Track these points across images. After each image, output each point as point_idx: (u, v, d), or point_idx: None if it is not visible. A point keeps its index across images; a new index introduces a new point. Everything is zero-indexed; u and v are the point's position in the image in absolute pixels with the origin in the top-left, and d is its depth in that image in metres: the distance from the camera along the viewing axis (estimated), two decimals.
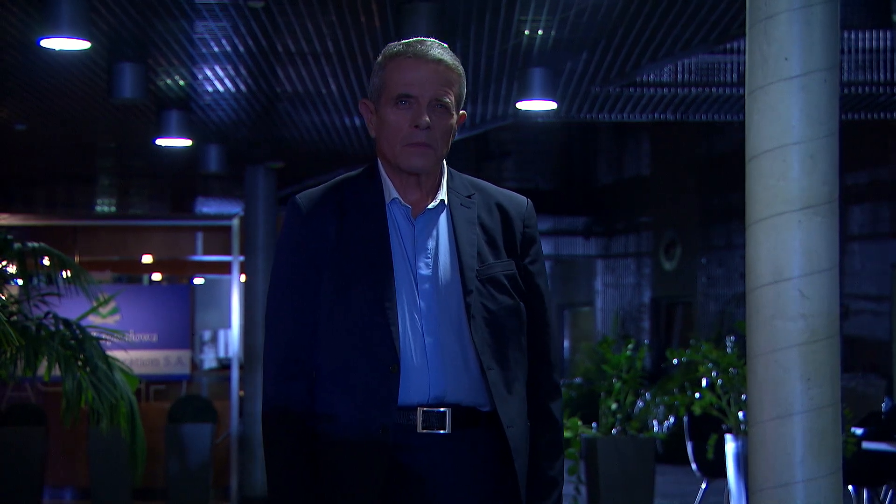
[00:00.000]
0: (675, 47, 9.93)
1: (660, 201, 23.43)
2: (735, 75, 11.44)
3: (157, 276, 20.98)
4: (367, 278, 3.27)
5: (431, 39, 3.37)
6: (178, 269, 19.20)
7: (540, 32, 9.47)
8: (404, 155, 3.33)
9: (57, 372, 6.71)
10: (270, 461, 3.33)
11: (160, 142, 12.43)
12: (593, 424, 11.21)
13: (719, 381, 10.58)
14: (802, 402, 5.33)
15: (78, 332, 6.89)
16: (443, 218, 3.39)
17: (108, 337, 7.42)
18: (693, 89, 11.58)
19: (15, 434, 14.20)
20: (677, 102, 12.10)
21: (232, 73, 10.85)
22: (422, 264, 3.32)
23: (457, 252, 3.34)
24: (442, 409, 3.27)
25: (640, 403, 11.97)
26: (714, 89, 11.57)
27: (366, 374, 3.24)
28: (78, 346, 6.81)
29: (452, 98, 3.34)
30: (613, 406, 10.97)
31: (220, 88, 11.49)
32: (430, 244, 3.35)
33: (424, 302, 3.29)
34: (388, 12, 8.90)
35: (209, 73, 10.88)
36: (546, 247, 26.23)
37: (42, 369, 6.60)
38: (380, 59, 3.39)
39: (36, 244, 7.15)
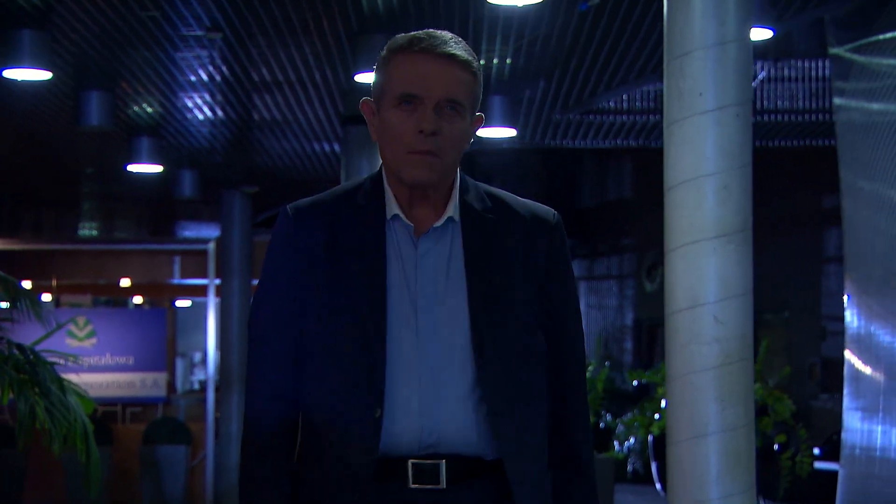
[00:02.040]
0: (629, 76, 10.16)
1: (642, 224, 23.66)
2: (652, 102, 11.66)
3: (138, 300, 21.20)
4: (355, 308, 2.81)
5: (443, 32, 2.88)
6: (155, 293, 19.42)
7: (496, 61, 9.70)
8: (407, 164, 2.82)
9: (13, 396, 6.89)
10: (243, 498, 2.92)
11: (131, 167, 12.65)
12: None
13: None
14: (717, 422, 5.55)
15: (31, 356, 7.09)
16: (452, 237, 2.89)
17: (61, 361, 7.61)
18: (652, 116, 11.81)
19: None
20: (638, 129, 12.34)
21: (202, 101, 11.07)
22: (424, 292, 2.83)
23: (465, 277, 2.85)
24: (435, 462, 2.79)
25: (601, 424, 12.17)
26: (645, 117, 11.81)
27: (348, 418, 2.79)
28: (31, 370, 7.00)
29: (465, 99, 2.84)
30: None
31: (192, 116, 11.72)
32: (436, 268, 2.86)
33: (424, 336, 2.81)
34: (343, 44, 9.13)
35: (180, 101, 11.11)
36: None
37: None
38: (383, 52, 2.89)
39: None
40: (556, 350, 2.93)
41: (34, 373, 7.03)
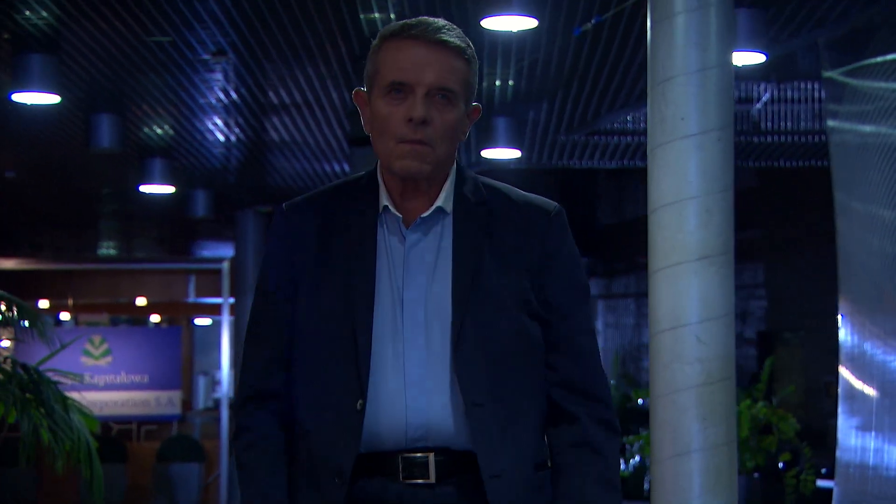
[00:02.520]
0: (630, 98, 10.29)
1: None
2: None
3: (155, 318, 21.40)
4: (342, 300, 2.75)
5: (437, 19, 2.80)
6: (172, 311, 19.60)
7: (498, 83, 9.84)
8: (397, 155, 2.74)
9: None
10: (243, 486, 2.87)
11: (144, 188, 12.82)
12: None
13: None
14: (699, 440, 5.65)
15: (35, 375, 7.23)
16: (442, 229, 2.82)
17: (66, 380, 7.74)
18: None
19: (8, 473, 14.56)
20: (644, 150, 12.44)
21: (214, 123, 11.24)
22: (411, 283, 2.77)
23: (452, 268, 2.79)
24: (424, 455, 2.73)
25: None
26: None
27: (331, 410, 2.73)
28: (35, 388, 7.14)
29: (458, 86, 2.75)
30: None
31: (204, 137, 11.88)
32: (424, 259, 2.79)
33: (410, 327, 2.75)
34: (346, 67, 9.30)
35: (191, 123, 11.27)
36: None
37: None
38: (375, 40, 2.82)
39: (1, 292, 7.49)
40: (557, 336, 2.82)
41: (38, 391, 7.17)
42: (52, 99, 9.06)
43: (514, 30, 7.56)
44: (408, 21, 2.78)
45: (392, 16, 8.02)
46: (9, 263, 18.97)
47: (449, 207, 2.83)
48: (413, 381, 2.73)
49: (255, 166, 13.36)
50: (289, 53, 9.00)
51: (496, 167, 13.00)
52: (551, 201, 2.93)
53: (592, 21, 7.40)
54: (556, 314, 2.82)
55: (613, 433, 2.81)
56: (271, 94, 10.16)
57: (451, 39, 2.76)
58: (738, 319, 19.03)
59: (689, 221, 5.72)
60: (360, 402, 2.71)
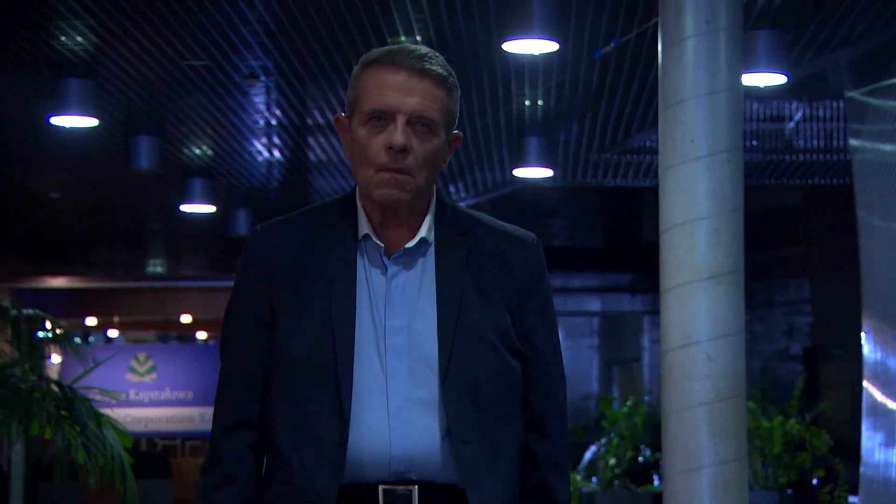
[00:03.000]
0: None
1: None
2: None
3: (201, 335, 21.64)
4: (323, 328, 2.71)
5: (419, 46, 2.77)
6: (215, 328, 19.82)
7: (528, 103, 9.99)
8: (377, 183, 2.71)
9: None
10: None
11: (185, 207, 13.03)
12: (593, 479, 11.61)
13: None
14: (709, 456, 5.76)
15: (69, 392, 7.41)
16: (424, 259, 2.79)
17: (101, 397, 7.93)
18: None
19: (52, 489, 14.80)
20: None
21: (253, 143, 11.45)
22: (393, 314, 2.73)
23: (436, 301, 2.76)
24: (407, 488, 2.69)
25: (640, 458, 12.35)
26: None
27: (313, 441, 2.69)
28: (69, 406, 7.32)
29: (439, 115, 2.73)
30: (612, 461, 11.37)
31: (244, 157, 12.09)
32: (406, 290, 2.76)
33: (393, 360, 2.71)
34: None
35: (230, 143, 11.48)
36: (593, 303, 26.62)
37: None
38: (356, 68, 2.80)
39: (31, 311, 7.69)
40: (531, 373, 2.82)
41: (72, 408, 7.36)
42: (91, 122, 9.28)
43: (536, 53, 7.69)
44: (390, 48, 2.76)
45: (418, 38, 8.18)
46: (57, 282, 19.29)
47: (431, 238, 2.80)
48: (396, 414, 2.69)
49: (295, 185, 13.57)
50: (325, 75, 9.19)
51: (529, 186, 13.15)
52: (528, 232, 2.89)
53: (612, 44, 7.52)
54: (533, 350, 2.82)
55: (562, 473, 2.85)
56: (309, 115, 10.35)
57: (433, 68, 2.73)
58: (784, 336, 19.08)
59: (700, 241, 5.83)
60: (342, 433, 2.67)
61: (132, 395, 16.69)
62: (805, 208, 16.57)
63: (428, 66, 2.73)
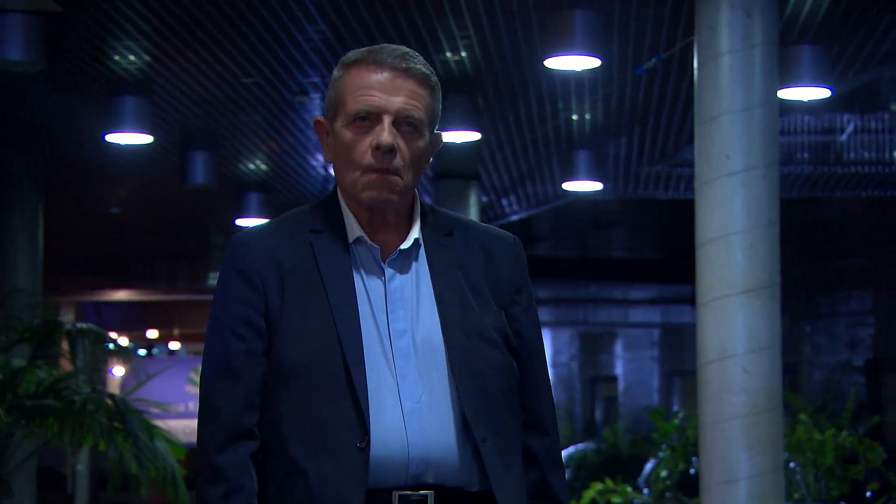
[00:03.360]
0: None
1: None
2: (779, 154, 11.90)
3: None
4: (328, 335, 2.65)
5: (399, 45, 2.74)
6: None
7: (575, 117, 10.08)
8: (363, 184, 2.67)
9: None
10: None
11: (240, 222, 13.22)
12: (645, 491, 11.64)
13: None
14: (746, 469, 5.83)
15: (121, 405, 7.60)
16: (418, 261, 2.76)
17: (153, 409, 8.12)
18: None
19: (114, 500, 15.02)
20: None
21: (307, 158, 11.62)
22: (396, 317, 2.70)
23: (435, 302, 2.73)
24: (422, 493, 2.65)
25: (692, 471, 12.36)
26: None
27: (327, 452, 2.63)
28: (121, 418, 7.50)
29: (423, 114, 2.68)
30: (663, 473, 11.38)
31: (299, 171, 12.27)
32: (405, 293, 2.72)
33: (401, 362, 2.67)
34: None
35: (285, 158, 11.66)
36: (654, 315, 26.64)
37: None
38: (336, 69, 2.75)
39: (84, 325, 7.89)
40: (525, 370, 2.81)
41: (124, 420, 7.54)
42: (146, 139, 9.47)
43: (578, 69, 7.79)
44: (370, 48, 2.72)
45: (463, 54, 8.29)
46: (119, 295, 19.57)
47: (421, 239, 2.76)
48: (410, 416, 2.65)
49: None
50: None
51: (583, 199, 13.23)
52: (508, 232, 2.89)
53: (654, 59, 7.60)
54: (526, 347, 2.81)
55: (561, 468, 2.85)
56: None
57: (417, 66, 2.69)
58: (847, 348, 19.02)
59: (735, 256, 5.92)
60: (364, 439, 2.61)
61: (191, 407, 16.86)
62: (866, 220, 16.53)
63: (412, 65, 2.69)
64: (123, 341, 17.83)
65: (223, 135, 10.74)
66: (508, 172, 12.21)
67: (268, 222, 2.80)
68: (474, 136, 9.47)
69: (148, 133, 9.37)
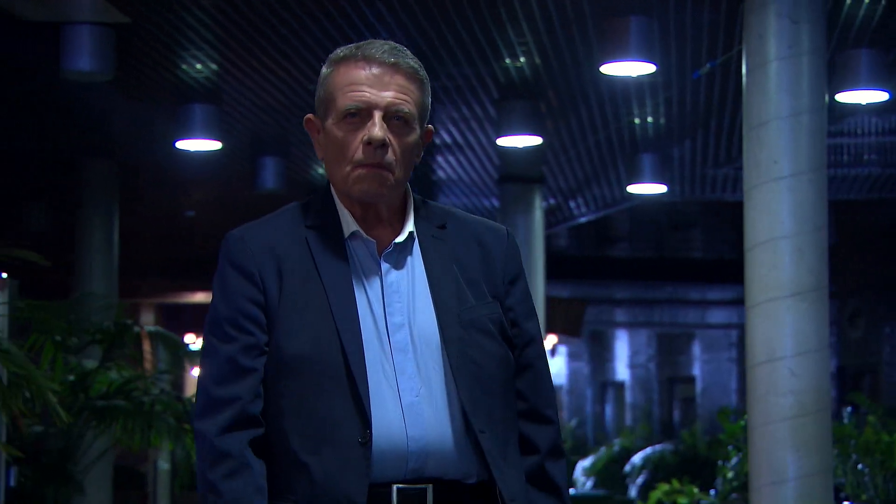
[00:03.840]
0: None
1: (843, 271, 23.56)
2: (847, 155, 11.92)
3: None
4: (327, 328, 2.65)
5: (386, 41, 2.75)
6: None
7: (637, 121, 10.17)
8: (354, 179, 2.68)
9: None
10: None
11: None
12: (711, 491, 11.69)
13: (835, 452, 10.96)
14: (794, 470, 5.91)
15: (189, 406, 7.80)
16: (413, 254, 2.76)
17: None
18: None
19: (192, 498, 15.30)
20: None
21: None
22: (393, 310, 2.70)
23: (430, 295, 2.74)
24: (421, 486, 2.66)
25: None
26: (831, 170, 12.09)
27: (329, 446, 2.63)
28: (189, 418, 7.70)
29: (413, 108, 2.70)
30: (730, 474, 11.42)
31: None
32: (401, 286, 2.73)
33: (399, 355, 2.68)
34: (489, 109, 9.75)
35: None
36: (732, 315, 26.58)
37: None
38: (325, 66, 2.75)
39: (153, 328, 8.10)
40: (523, 360, 2.81)
41: (192, 420, 7.74)
42: (214, 145, 9.68)
43: (634, 74, 7.89)
44: (358, 44, 2.72)
45: (522, 60, 8.42)
46: (198, 297, 19.89)
47: (415, 232, 2.77)
48: (409, 409, 2.66)
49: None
50: (448, 96, 9.50)
51: (652, 201, 13.31)
52: (500, 224, 2.90)
53: (709, 65, 7.68)
54: (523, 337, 2.82)
55: (561, 456, 2.86)
56: (434, 134, 10.66)
57: (406, 61, 2.71)
58: None
59: (783, 259, 6.00)
60: (365, 432, 2.61)
61: None
62: None
63: (400, 59, 2.70)
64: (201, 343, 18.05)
65: (292, 141, 10.94)
66: (574, 175, 12.33)
67: (260, 219, 2.80)
68: (536, 140, 9.60)
69: (217, 139, 9.59)
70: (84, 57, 7.65)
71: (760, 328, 6.05)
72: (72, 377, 7.85)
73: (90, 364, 8.11)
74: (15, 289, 6.79)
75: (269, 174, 11.32)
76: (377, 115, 2.66)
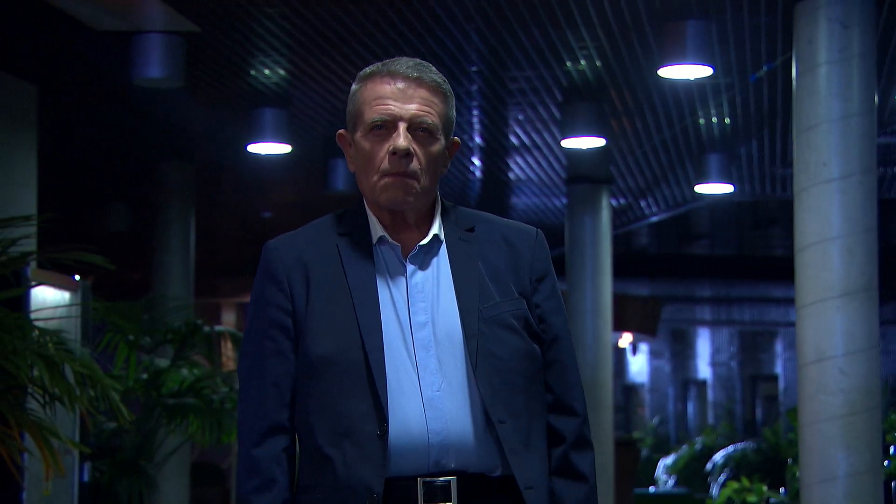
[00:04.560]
0: None
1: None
2: None
3: None
4: (350, 329, 2.80)
5: (412, 58, 2.91)
6: None
7: (702, 121, 10.25)
8: (381, 188, 2.83)
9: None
10: None
11: None
12: (781, 490, 11.76)
13: None
14: (844, 468, 5.99)
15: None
16: (439, 256, 2.89)
17: None
18: (881, 168, 12.07)
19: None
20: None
21: (455, 163, 11.97)
22: (417, 310, 2.83)
23: (454, 294, 2.86)
24: (446, 479, 2.77)
25: None
26: (886, 168, 12.10)
27: (350, 440, 2.77)
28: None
29: (437, 120, 2.85)
30: (798, 473, 11.47)
31: (440, 178, 12.61)
32: (426, 286, 2.86)
33: (421, 352, 2.80)
34: (553, 112, 9.89)
35: None
36: None
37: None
38: (354, 83, 2.92)
39: (222, 328, 8.31)
40: (551, 355, 2.92)
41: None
42: (284, 149, 9.90)
43: (691, 77, 7.98)
44: (385, 61, 2.89)
45: (582, 62, 8.55)
46: None
47: (442, 235, 2.90)
48: (430, 404, 2.78)
49: (492, 204, 14.07)
50: (526, 97, 9.65)
51: (710, 202, 13.39)
52: (531, 226, 3.01)
53: (765, 67, 7.76)
54: (550, 332, 2.93)
55: (589, 449, 2.95)
56: (504, 136, 10.84)
57: (429, 75, 2.85)
58: None
59: (833, 260, 6.08)
60: (382, 426, 2.74)
61: None
62: None
63: (424, 74, 2.85)
64: None
65: None
66: (643, 175, 12.42)
67: (298, 229, 2.95)
68: (600, 141, 9.72)
69: (287, 143, 9.80)
70: (153, 65, 7.87)
71: (811, 328, 6.14)
72: (145, 375, 8.08)
73: (163, 363, 8.33)
74: (88, 290, 7.03)
75: (340, 176, 11.51)
76: (402, 127, 2.81)
